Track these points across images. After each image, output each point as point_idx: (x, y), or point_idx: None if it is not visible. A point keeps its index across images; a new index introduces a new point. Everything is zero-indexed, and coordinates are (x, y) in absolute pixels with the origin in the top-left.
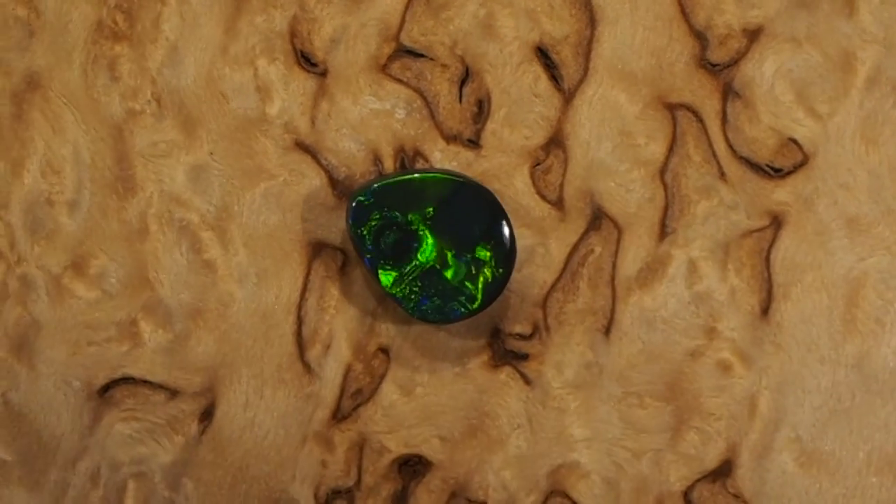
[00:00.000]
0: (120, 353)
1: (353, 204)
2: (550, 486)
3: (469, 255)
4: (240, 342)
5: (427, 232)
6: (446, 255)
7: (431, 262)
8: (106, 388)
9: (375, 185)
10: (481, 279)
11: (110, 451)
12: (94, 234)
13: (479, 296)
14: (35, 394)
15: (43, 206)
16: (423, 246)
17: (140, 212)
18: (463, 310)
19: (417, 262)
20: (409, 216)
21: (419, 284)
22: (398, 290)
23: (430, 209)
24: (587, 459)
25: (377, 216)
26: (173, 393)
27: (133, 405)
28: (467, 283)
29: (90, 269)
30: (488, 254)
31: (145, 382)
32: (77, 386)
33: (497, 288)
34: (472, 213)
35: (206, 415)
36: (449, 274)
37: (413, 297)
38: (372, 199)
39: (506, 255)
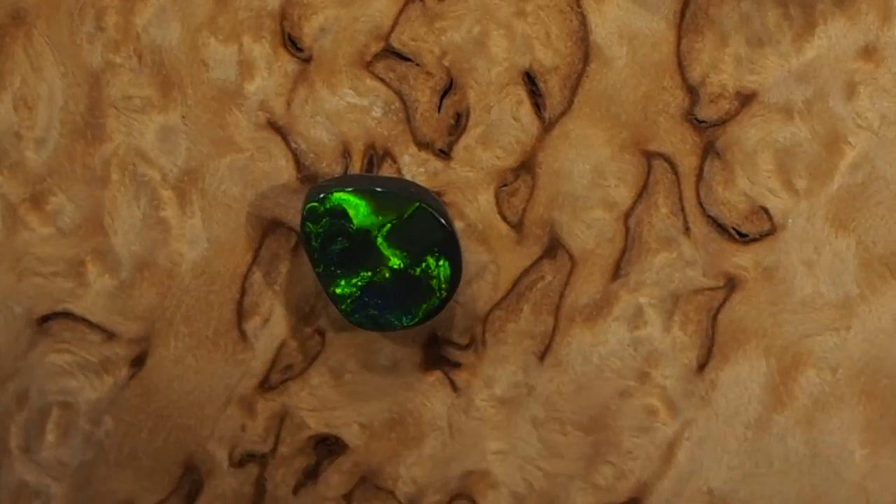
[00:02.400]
0: (64, 288)
1: (309, 204)
2: (458, 490)
3: (415, 274)
4: (182, 301)
5: (378, 246)
6: (393, 271)
7: (376, 277)
8: (45, 318)
9: (334, 192)
10: (422, 301)
11: (40, 377)
12: (56, 173)
13: (420, 314)
14: None
15: (10, 138)
16: (372, 258)
17: (105, 160)
18: (398, 324)
19: (362, 273)
20: (364, 227)
21: (359, 293)
22: (338, 291)
23: (388, 226)
24: (500, 471)
25: (328, 221)
26: (110, 335)
27: (69, 339)
28: (409, 302)
29: (47, 205)
30: (434, 278)
31: (84, 321)
32: (18, 311)
33: (436, 310)
34: (425, 234)
35: (138, 361)
36: (390, 289)
37: (350, 303)
38: (327, 206)
39: (450, 281)
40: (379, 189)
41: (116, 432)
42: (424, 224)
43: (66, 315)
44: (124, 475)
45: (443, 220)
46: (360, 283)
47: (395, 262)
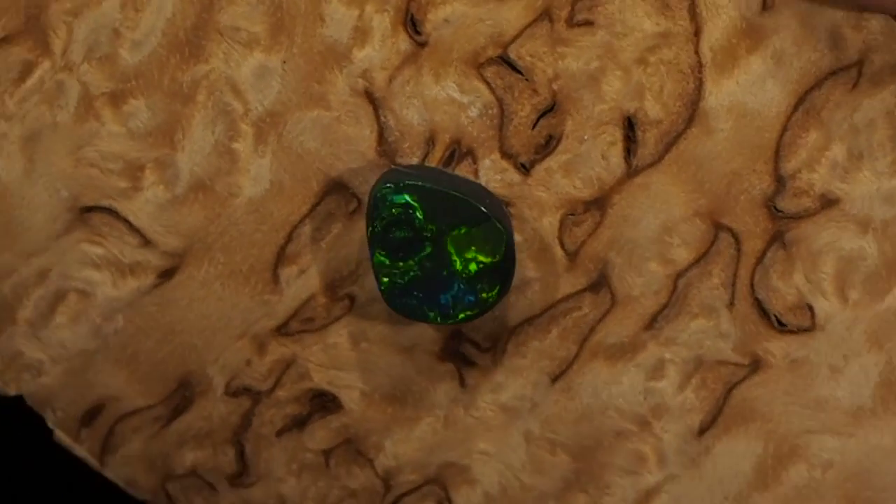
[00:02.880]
0: (116, 187)
1: (385, 186)
2: (435, 476)
3: (465, 284)
4: (227, 230)
5: (437, 247)
6: (451, 271)
7: (428, 272)
8: (89, 209)
9: (414, 182)
10: (465, 309)
11: (66, 262)
12: (143, 77)
13: (457, 318)
14: (22, 183)
15: (108, 32)
16: (428, 257)
17: (195, 79)
18: (433, 320)
19: (414, 267)
20: (429, 226)
21: (406, 282)
22: (385, 276)
23: (460, 229)
24: (480, 470)
25: (398, 210)
26: (146, 242)
27: (106, 234)
28: (451, 305)
29: (125, 105)
30: (484, 294)
31: (126, 221)
32: (64, 195)
33: (472, 318)
34: (489, 252)
35: (167, 274)
36: (444, 293)
37: (394, 287)
38: (403, 193)
39: (495, 299)
40: (455, 193)
41: (125, 332)
42: (489, 237)
43: (110, 212)
44: (120, 374)
45: (506, 240)
46: (410, 273)
47: (457, 265)
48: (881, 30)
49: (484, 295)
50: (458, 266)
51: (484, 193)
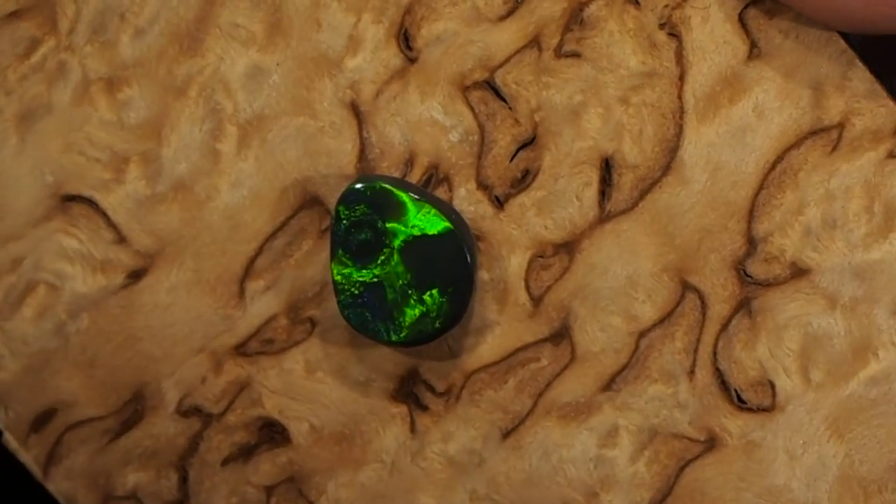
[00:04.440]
0: (100, 178)
1: (352, 186)
2: None
3: (419, 294)
4: (200, 235)
5: (397, 252)
6: (399, 280)
7: (383, 279)
8: (71, 198)
9: (381, 185)
10: (414, 320)
11: (41, 251)
12: (141, 66)
13: (404, 334)
14: (11, 163)
15: (114, 17)
16: (386, 261)
17: (189, 73)
18: (384, 336)
19: (371, 272)
20: (391, 229)
21: (361, 290)
22: (342, 280)
23: (411, 237)
24: None
25: (363, 210)
26: (121, 239)
27: (83, 226)
28: (401, 317)
29: (119, 93)
30: (435, 305)
31: (104, 215)
32: (49, 181)
33: (425, 337)
34: (444, 262)
35: (136, 275)
36: (390, 296)
37: (349, 296)
38: (369, 194)
39: (450, 316)
40: (421, 201)
41: (87, 333)
42: (448, 252)
43: (91, 203)
44: (76, 377)
45: (467, 257)
46: (365, 281)
47: (405, 275)
48: (864, 92)
49: (431, 313)
50: (407, 276)
51: (450, 211)
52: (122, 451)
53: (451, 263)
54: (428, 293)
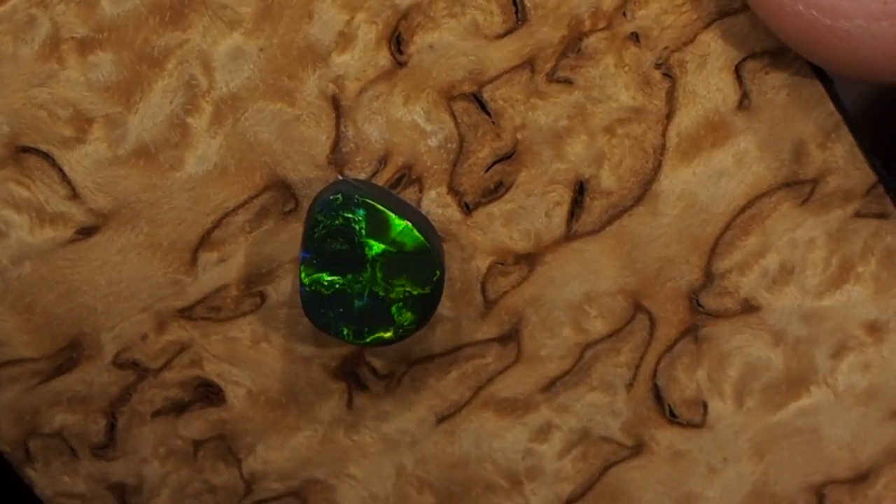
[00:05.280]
0: (60, 134)
1: (336, 195)
2: (297, 489)
3: (390, 308)
4: (158, 202)
5: (374, 265)
6: (370, 291)
7: (353, 289)
8: (26, 149)
9: (366, 199)
10: (381, 330)
11: None
12: (117, 32)
13: (368, 339)
14: None
15: None
16: (359, 273)
17: (168, 46)
18: (345, 337)
19: (342, 279)
20: (368, 243)
21: (329, 294)
22: (308, 281)
23: (390, 252)
24: (343, 493)
25: (342, 221)
26: (75, 196)
27: (36, 178)
28: (368, 324)
29: (90, 55)
30: (405, 321)
31: (60, 171)
32: (5, 130)
33: (385, 343)
34: (419, 276)
35: (86, 232)
36: (358, 303)
37: (315, 297)
38: (351, 205)
39: (414, 329)
40: (401, 218)
41: (28, 280)
42: (421, 266)
43: (47, 157)
44: (12, 319)
45: (440, 273)
46: (335, 286)
47: (378, 288)
48: (843, 154)
49: (401, 322)
50: (382, 291)
51: (426, 225)
52: (52, 394)
53: (424, 278)
54: (400, 309)
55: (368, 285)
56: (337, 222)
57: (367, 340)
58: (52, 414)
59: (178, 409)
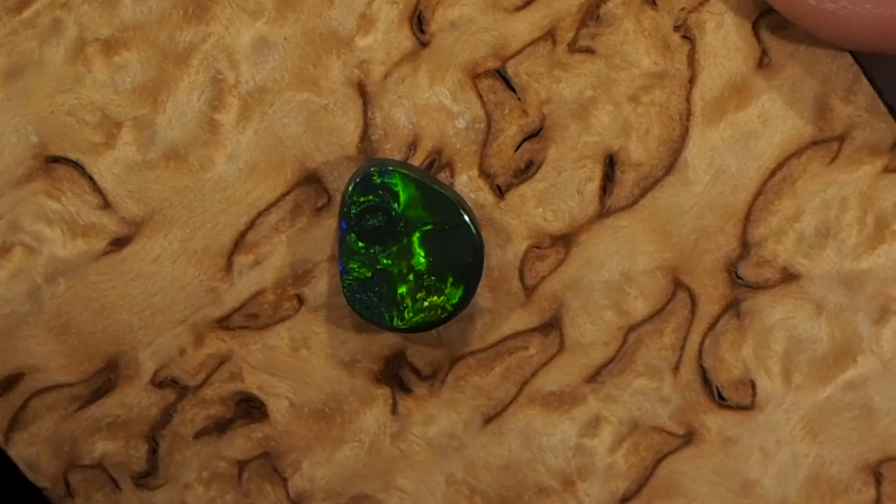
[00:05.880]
0: (89, 140)
1: (366, 171)
2: None
3: (437, 283)
4: (191, 205)
5: (415, 240)
6: (414, 268)
7: (394, 267)
8: (55, 159)
9: (400, 169)
10: (427, 309)
11: (21, 211)
12: (141, 30)
13: (414, 321)
14: None
15: None
16: (403, 248)
17: (192, 42)
18: (388, 322)
19: (383, 258)
20: (407, 216)
21: (370, 275)
22: (353, 265)
23: (430, 226)
24: None
25: (377, 196)
26: (107, 205)
27: (67, 189)
28: (413, 304)
29: (116, 56)
30: (453, 295)
31: (91, 180)
32: (33, 140)
33: (430, 325)
34: (458, 253)
35: (120, 242)
36: (403, 289)
37: (357, 279)
38: (384, 180)
39: (459, 307)
40: (436, 188)
41: (62, 299)
42: (462, 243)
43: (76, 166)
44: (47, 342)
45: (481, 249)
46: (376, 266)
47: (421, 262)
48: (867, 107)
49: (441, 300)
50: (423, 266)
51: (461, 199)
52: (90, 420)
53: (466, 255)
54: (448, 283)
55: (412, 262)
56: (371, 198)
57: (413, 324)
58: (92, 442)
59: (220, 427)
